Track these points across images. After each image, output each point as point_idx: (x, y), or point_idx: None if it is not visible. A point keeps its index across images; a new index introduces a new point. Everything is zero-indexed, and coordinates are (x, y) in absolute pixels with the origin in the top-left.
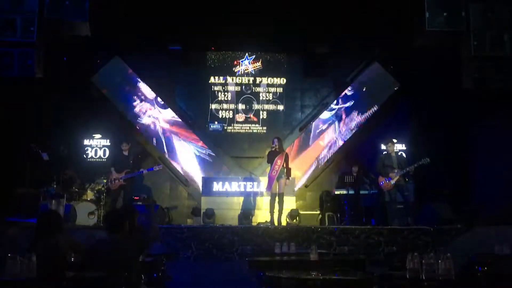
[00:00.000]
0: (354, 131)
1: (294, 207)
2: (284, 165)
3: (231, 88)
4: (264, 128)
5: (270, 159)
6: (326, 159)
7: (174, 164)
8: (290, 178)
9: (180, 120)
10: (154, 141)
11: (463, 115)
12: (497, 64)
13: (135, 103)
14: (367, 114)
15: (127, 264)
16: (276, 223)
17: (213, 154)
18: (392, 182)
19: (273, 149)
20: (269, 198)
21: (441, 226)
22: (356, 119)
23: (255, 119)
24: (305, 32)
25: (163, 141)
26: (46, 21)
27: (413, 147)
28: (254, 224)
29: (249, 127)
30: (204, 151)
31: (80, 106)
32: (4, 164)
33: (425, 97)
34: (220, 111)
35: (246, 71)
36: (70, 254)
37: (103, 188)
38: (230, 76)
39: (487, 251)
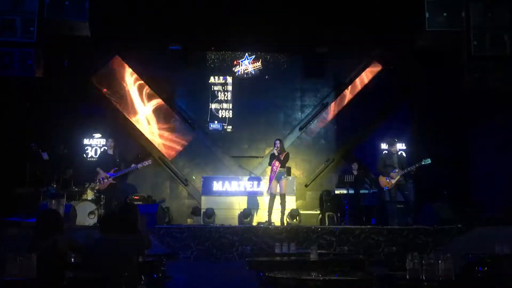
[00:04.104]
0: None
1: (294, 207)
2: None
3: (231, 88)
4: (264, 128)
5: (269, 161)
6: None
7: None
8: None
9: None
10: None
11: (463, 115)
12: (497, 64)
13: (134, 103)
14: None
15: (124, 263)
16: (279, 223)
17: None
18: (393, 181)
19: (276, 151)
20: (269, 198)
21: (441, 226)
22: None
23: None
24: (305, 32)
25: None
26: (46, 21)
27: (413, 147)
28: (254, 224)
29: (249, 127)
30: None
31: (80, 106)
32: (4, 164)
33: (425, 97)
34: (220, 111)
35: (246, 71)
36: (70, 254)
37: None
38: (230, 76)
39: (487, 251)
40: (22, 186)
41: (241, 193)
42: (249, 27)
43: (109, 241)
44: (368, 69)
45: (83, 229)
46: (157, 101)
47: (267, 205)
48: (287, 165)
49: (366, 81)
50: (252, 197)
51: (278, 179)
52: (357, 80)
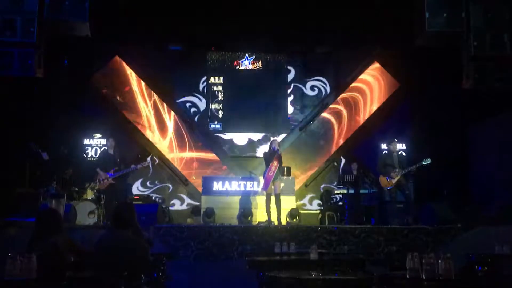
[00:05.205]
0: (354, 130)
1: (294, 207)
2: (279, 166)
3: (231, 88)
4: (264, 128)
5: (267, 160)
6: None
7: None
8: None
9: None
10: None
11: (463, 115)
12: (497, 64)
13: (134, 103)
14: (367, 114)
15: (140, 261)
16: (276, 223)
17: None
18: (393, 181)
19: (274, 149)
20: (265, 198)
21: (441, 226)
22: (356, 118)
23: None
24: (305, 32)
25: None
26: (46, 21)
27: (413, 147)
28: (254, 223)
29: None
30: None
31: (80, 106)
32: (4, 164)
33: (425, 97)
34: (220, 111)
35: (246, 72)
36: (70, 255)
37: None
38: (230, 76)
39: (487, 251)
40: (22, 186)
41: (241, 192)
42: (249, 27)
43: (123, 239)
44: (368, 69)
45: (83, 229)
46: None
47: (265, 205)
48: (287, 165)
49: (366, 81)
50: (252, 197)
51: (274, 179)
52: (357, 80)
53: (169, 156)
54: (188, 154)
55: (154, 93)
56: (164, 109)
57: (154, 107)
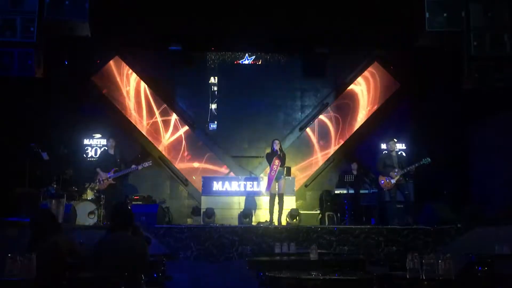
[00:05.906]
0: (354, 130)
1: (294, 207)
2: (281, 165)
3: (231, 88)
4: (264, 128)
5: (269, 160)
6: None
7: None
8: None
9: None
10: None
11: (463, 115)
12: (497, 64)
13: (135, 103)
14: (367, 114)
15: (139, 262)
16: (276, 223)
17: None
18: (393, 181)
19: (275, 150)
20: (269, 197)
21: (441, 226)
22: (356, 118)
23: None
24: (305, 32)
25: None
26: (46, 21)
27: (413, 147)
28: (254, 223)
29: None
30: None
31: (80, 106)
32: (4, 164)
33: (425, 97)
34: (220, 111)
35: (246, 71)
36: (69, 257)
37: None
38: (230, 76)
39: (487, 251)
40: (22, 186)
41: (241, 193)
42: (249, 27)
43: (124, 240)
44: (368, 69)
45: (83, 229)
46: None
47: (268, 205)
48: (287, 165)
49: (366, 81)
50: (252, 197)
51: (278, 179)
52: (357, 80)
53: (168, 156)
54: (189, 164)
55: (153, 94)
56: (163, 109)
57: (148, 107)
